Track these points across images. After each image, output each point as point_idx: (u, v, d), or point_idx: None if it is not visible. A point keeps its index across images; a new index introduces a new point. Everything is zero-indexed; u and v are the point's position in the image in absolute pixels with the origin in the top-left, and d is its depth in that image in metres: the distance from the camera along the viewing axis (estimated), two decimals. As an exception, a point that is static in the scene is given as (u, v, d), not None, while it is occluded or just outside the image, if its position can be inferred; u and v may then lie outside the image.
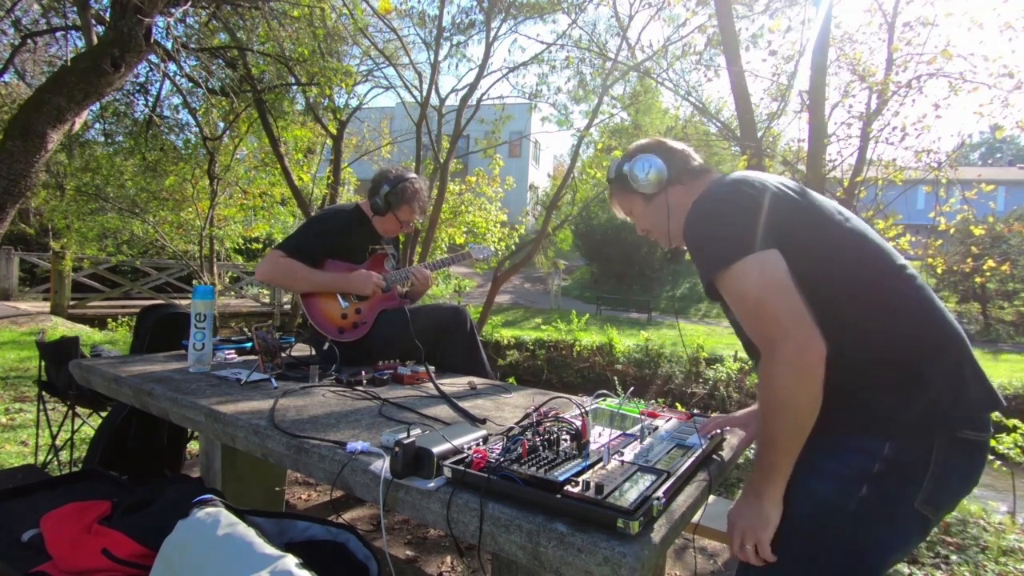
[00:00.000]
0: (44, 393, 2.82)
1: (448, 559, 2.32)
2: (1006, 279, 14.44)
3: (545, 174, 26.48)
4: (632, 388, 1.83)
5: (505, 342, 11.05)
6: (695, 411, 1.49)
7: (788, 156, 4.68)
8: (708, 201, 1.11)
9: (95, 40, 4.02)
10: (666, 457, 1.10)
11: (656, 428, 1.30)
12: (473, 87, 7.25)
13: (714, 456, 1.26)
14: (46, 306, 10.24)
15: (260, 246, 10.00)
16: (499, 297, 13.23)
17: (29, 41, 5.48)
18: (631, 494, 0.89)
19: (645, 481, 0.96)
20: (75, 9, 4.56)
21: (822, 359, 0.93)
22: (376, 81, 7.77)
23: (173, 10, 4.62)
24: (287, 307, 12.17)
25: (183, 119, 7.48)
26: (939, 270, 4.38)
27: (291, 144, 7.55)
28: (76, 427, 2.83)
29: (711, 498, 1.43)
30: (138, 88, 6.62)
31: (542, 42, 7.66)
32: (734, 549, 1.04)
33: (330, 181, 7.78)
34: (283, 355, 1.97)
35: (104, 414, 2.65)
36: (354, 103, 7.65)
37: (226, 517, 1.02)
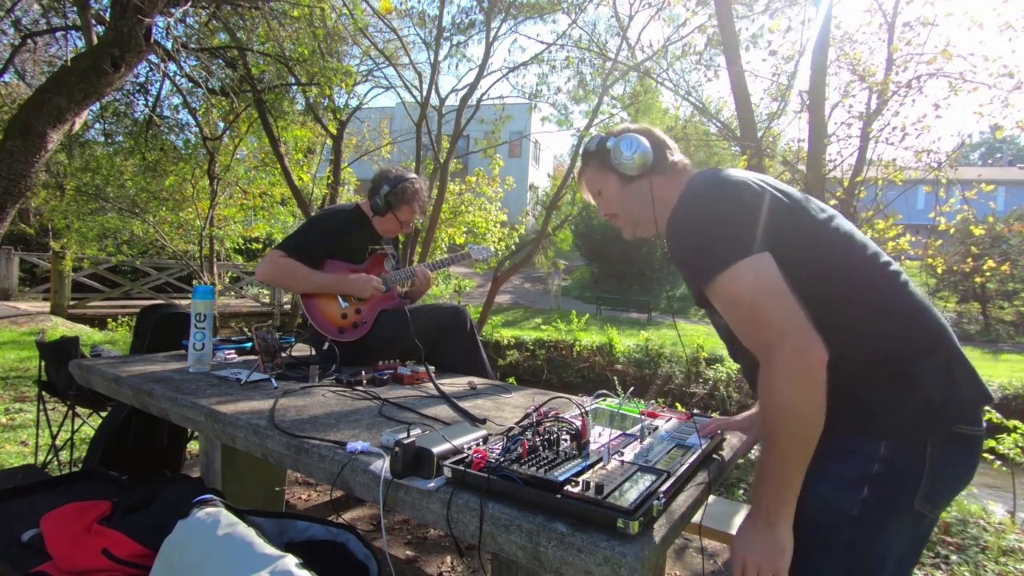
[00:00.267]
0: (44, 393, 2.82)
1: (448, 559, 2.32)
2: (1006, 279, 14.43)
3: (545, 174, 26.48)
4: (632, 388, 1.82)
5: (505, 342, 11.05)
6: (695, 411, 1.49)
7: (788, 156, 4.68)
8: (696, 201, 1.07)
9: (95, 40, 4.03)
10: (666, 457, 1.10)
11: (656, 428, 1.30)
12: (473, 87, 7.25)
13: (714, 456, 1.25)
14: (46, 306, 10.24)
15: (260, 246, 9.99)
16: (499, 297, 13.23)
17: (29, 41, 5.48)
18: (631, 494, 0.89)
19: (645, 481, 0.95)
20: (75, 9, 4.56)
21: (823, 363, 0.90)
22: (376, 81, 7.78)
23: (173, 10, 4.62)
24: (287, 307, 12.17)
25: (183, 119, 7.50)
26: (939, 270, 4.38)
27: (291, 144, 7.55)
28: (76, 427, 2.83)
29: (711, 498, 1.42)
30: (138, 88, 6.62)
31: (542, 42, 7.69)
32: None
33: (330, 181, 7.78)
34: (283, 355, 1.96)
35: (104, 414, 2.65)
36: (354, 103, 7.65)
37: (226, 517, 1.02)
